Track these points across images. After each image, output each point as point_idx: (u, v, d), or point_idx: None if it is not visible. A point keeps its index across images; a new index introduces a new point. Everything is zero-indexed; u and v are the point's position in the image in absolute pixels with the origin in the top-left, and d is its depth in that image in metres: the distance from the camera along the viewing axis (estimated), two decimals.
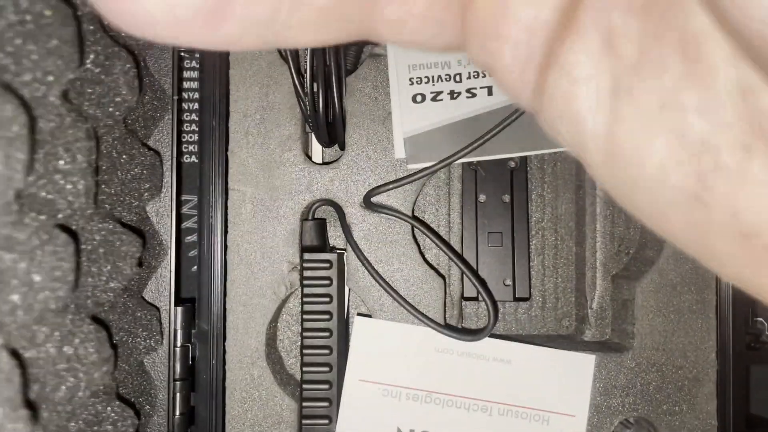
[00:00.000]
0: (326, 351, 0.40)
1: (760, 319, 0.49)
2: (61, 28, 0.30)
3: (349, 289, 0.42)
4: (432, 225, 0.46)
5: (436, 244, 0.41)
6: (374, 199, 0.41)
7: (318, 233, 0.41)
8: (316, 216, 0.43)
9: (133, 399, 0.40)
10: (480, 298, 0.45)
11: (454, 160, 0.40)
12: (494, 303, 0.41)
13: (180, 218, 0.42)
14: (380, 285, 0.40)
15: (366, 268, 0.40)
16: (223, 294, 0.41)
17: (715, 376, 0.41)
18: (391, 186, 0.41)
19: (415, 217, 0.43)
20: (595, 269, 0.46)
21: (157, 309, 0.41)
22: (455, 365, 0.41)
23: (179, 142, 0.41)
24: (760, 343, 0.44)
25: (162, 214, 0.41)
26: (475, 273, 0.44)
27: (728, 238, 0.12)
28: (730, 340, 0.41)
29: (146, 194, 0.40)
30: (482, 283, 0.44)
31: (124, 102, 0.36)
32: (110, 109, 0.36)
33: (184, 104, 0.42)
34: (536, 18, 0.12)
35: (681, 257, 0.41)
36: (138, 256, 0.37)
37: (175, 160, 0.41)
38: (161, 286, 0.41)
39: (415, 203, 0.43)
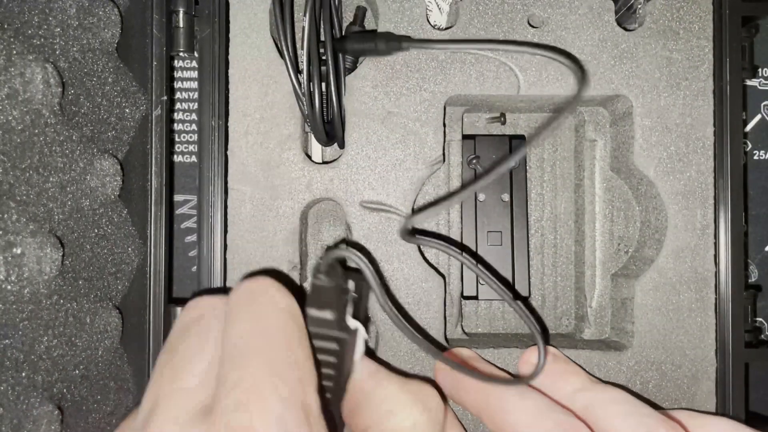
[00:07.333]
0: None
1: (759, 318, 0.49)
2: None
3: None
4: (432, 224, 0.46)
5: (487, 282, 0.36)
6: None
7: (331, 297, 0.30)
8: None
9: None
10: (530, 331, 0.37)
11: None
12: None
13: (172, 218, 0.42)
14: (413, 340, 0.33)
15: (396, 324, 0.33)
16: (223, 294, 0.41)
17: (715, 374, 0.41)
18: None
19: (463, 247, 0.43)
20: (594, 268, 0.46)
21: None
22: None
23: (172, 143, 0.41)
24: (760, 341, 0.44)
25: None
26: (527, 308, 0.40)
27: None
28: (729, 338, 0.41)
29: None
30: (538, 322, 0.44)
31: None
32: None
33: (183, 104, 0.42)
34: None
35: (680, 256, 0.41)
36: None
37: (166, 159, 0.41)
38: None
39: (414, 202, 0.43)
